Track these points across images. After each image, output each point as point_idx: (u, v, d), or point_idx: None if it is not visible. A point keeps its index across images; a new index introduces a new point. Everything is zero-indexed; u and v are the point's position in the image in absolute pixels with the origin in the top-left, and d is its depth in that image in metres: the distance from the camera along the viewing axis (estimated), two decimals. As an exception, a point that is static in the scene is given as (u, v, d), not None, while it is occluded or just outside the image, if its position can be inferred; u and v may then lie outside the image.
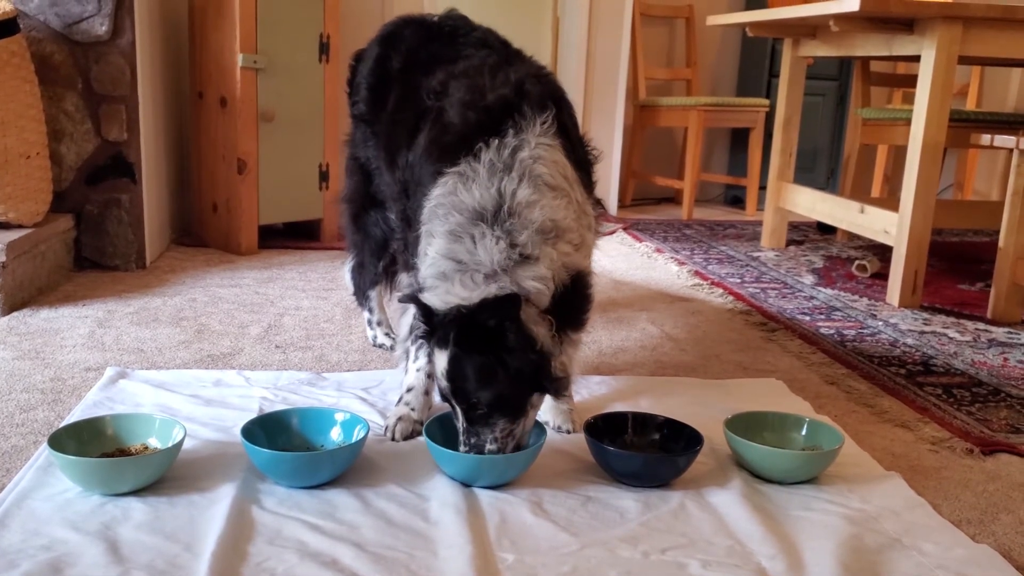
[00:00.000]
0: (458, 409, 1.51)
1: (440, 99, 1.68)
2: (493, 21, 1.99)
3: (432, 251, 1.54)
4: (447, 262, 1.51)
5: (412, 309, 1.75)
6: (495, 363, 1.45)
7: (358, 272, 2.26)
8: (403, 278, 1.90)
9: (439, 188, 1.56)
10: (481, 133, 1.56)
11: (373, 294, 2.27)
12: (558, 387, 1.53)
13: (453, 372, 1.47)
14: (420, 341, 1.72)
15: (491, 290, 1.46)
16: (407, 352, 1.80)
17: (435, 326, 1.50)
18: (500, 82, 1.64)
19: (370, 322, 2.31)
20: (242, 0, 3.16)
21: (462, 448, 1.52)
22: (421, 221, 1.59)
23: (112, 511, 1.37)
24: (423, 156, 1.66)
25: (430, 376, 1.75)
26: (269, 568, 1.24)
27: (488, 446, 1.49)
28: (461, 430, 1.52)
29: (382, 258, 2.17)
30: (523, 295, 1.46)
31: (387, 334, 2.28)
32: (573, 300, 1.58)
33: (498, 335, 1.45)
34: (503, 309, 1.44)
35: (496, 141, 1.55)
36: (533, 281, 1.48)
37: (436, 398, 1.77)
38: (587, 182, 1.71)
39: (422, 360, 1.75)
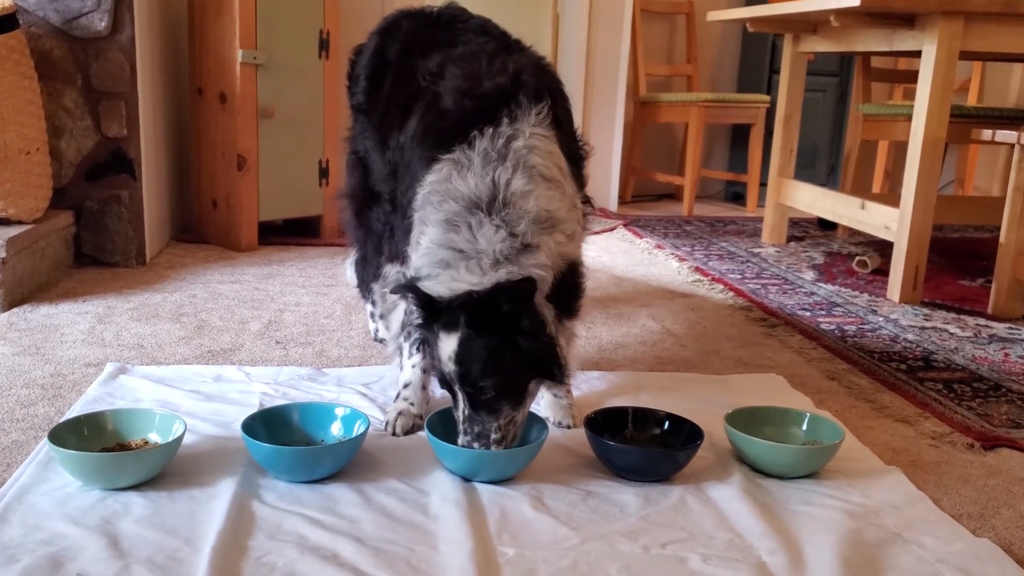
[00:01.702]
0: (461, 396, 1.49)
1: (436, 81, 1.66)
2: (493, 17, 1.99)
3: (426, 240, 1.52)
4: (445, 251, 1.49)
5: (402, 305, 1.75)
6: (508, 346, 1.46)
7: (361, 266, 2.26)
8: (389, 270, 1.87)
9: (433, 175, 1.54)
10: (476, 121, 1.55)
11: (376, 287, 2.27)
12: (563, 372, 1.54)
13: (463, 355, 1.45)
14: (414, 337, 1.72)
15: (500, 276, 1.46)
16: (400, 348, 1.80)
17: (437, 312, 1.48)
18: (497, 70, 1.63)
19: (372, 315, 2.32)
20: (242, -4, 3.16)
21: (463, 438, 1.49)
22: (414, 208, 1.57)
23: (112, 506, 1.37)
24: (416, 141, 1.64)
25: (426, 371, 1.76)
26: (269, 562, 1.24)
27: (492, 435, 1.48)
28: (462, 419, 1.50)
29: (384, 252, 2.17)
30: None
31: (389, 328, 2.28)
32: (567, 289, 1.61)
33: (512, 319, 1.46)
34: (520, 293, 1.44)
35: (491, 129, 1.54)
36: (536, 269, 1.49)
37: (435, 389, 1.77)
38: (578, 176, 1.71)
39: (417, 356, 1.76)
